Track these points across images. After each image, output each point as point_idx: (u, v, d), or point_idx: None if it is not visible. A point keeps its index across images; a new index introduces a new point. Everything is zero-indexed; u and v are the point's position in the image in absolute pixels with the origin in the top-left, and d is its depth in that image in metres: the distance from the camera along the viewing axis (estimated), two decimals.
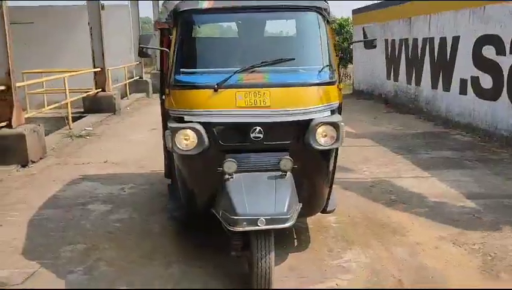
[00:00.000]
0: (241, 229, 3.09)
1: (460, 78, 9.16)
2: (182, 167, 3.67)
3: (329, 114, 3.59)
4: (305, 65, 3.74)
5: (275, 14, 3.84)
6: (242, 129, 3.45)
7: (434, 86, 10.32)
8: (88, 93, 11.92)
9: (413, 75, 11.38)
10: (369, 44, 3.63)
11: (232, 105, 3.42)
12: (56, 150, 8.21)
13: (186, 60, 3.67)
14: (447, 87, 9.77)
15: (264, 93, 3.43)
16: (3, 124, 7.01)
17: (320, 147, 3.50)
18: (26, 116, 7.61)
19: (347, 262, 3.88)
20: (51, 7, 16.43)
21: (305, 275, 3.67)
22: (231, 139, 3.51)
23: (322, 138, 3.49)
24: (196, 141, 3.41)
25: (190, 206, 3.79)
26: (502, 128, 7.90)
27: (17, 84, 7.21)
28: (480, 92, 8.52)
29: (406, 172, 6.35)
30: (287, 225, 3.14)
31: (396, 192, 5.55)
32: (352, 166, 6.67)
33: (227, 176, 3.34)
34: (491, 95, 8.18)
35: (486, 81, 8.28)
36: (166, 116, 3.78)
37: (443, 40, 9.84)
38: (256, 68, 3.55)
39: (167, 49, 3.60)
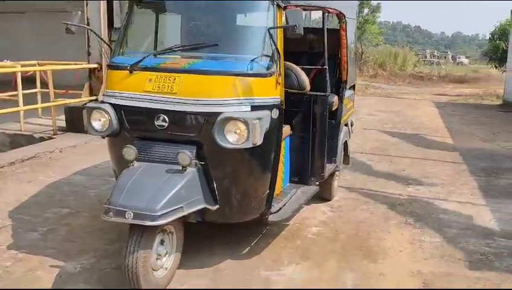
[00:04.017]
0: (107, 219, 2.98)
1: None
2: (108, 148, 3.72)
3: (248, 109, 3.19)
4: (240, 53, 3.40)
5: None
6: (147, 115, 3.30)
7: None
8: None
9: None
10: (290, 30, 3.12)
11: (140, 89, 3.30)
12: None
13: (127, 43, 3.69)
14: None
15: (174, 79, 3.23)
16: (93, 98, 7.90)
17: (227, 145, 3.14)
18: None
19: (279, 276, 3.49)
20: None
21: (220, 280, 3.41)
22: (137, 125, 3.39)
23: (229, 135, 3.12)
24: (107, 123, 3.39)
25: None
26: None
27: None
28: None
29: (458, 196, 5.34)
30: (154, 223, 2.91)
31: (421, 215, 4.72)
32: (401, 180, 5.90)
33: (128, 163, 3.25)
34: None
35: None
36: None
37: None
38: (189, 53, 3.39)
39: (88, 27, 3.63)
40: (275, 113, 3.33)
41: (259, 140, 3.14)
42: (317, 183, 4.33)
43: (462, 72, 28.73)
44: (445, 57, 54.60)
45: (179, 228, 3.31)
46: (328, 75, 4.19)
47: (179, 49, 3.44)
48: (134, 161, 3.23)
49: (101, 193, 5.13)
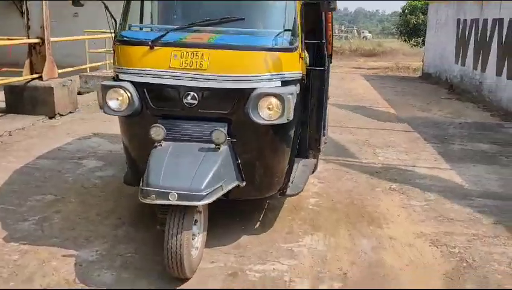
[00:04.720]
0: (149, 201, 2.84)
1: None
2: (120, 129, 3.53)
3: (279, 85, 3.19)
4: (262, 27, 3.37)
5: None
6: (174, 93, 3.16)
7: (499, 72, 9.28)
8: None
9: (480, 59, 10.31)
10: (326, 5, 3.18)
11: (165, 65, 3.14)
12: (91, 106, 8.44)
13: (137, 15, 3.48)
14: (511, 75, 8.74)
15: (202, 54, 3.11)
16: (36, 76, 7.31)
17: (262, 121, 3.12)
18: (60, 71, 7.83)
19: (300, 247, 3.57)
20: None
21: (247, 255, 3.42)
22: (163, 103, 3.24)
23: (264, 111, 3.10)
24: (127, 102, 3.20)
25: (131, 171, 3.63)
26: None
27: (52, 39, 7.42)
28: None
29: (425, 162, 5.76)
30: (200, 203, 2.85)
31: (401, 181, 5.04)
32: (369, 149, 6.21)
33: (156, 143, 3.12)
34: None
35: None
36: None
37: None
38: (208, 28, 3.27)
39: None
40: (298, 88, 3.36)
41: (292, 115, 3.16)
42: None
43: (369, 46, 30.22)
44: (351, 32, 57.09)
45: (205, 207, 3.25)
46: (326, 49, 4.26)
47: (204, 24, 3.28)
48: (162, 141, 3.11)
49: (78, 177, 4.85)
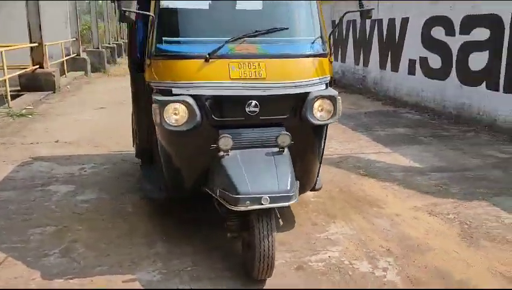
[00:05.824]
0: (243, 208, 2.92)
1: (409, 59, 9.46)
2: (169, 144, 3.43)
3: (324, 87, 3.50)
4: (298, 36, 3.63)
5: None
6: (237, 103, 3.27)
7: (382, 66, 10.59)
8: (25, 70, 11.11)
9: (361, 56, 11.62)
10: (365, 14, 3.60)
11: (225, 77, 3.23)
12: None
13: (168, 28, 3.43)
14: (395, 68, 10.07)
15: (259, 64, 3.27)
16: None
17: (317, 122, 3.40)
18: None
19: (333, 235, 3.89)
20: None
21: (296, 249, 3.63)
22: (225, 113, 3.32)
23: (318, 112, 3.39)
24: (187, 116, 3.19)
25: (176, 186, 3.58)
26: (450, 106, 8.28)
27: None
28: (429, 72, 8.85)
29: (368, 148, 6.48)
30: (291, 202, 3.03)
31: (364, 167, 5.64)
32: None
33: (222, 153, 3.18)
34: (440, 74, 8.52)
35: (435, 62, 8.61)
36: (145, 90, 3.54)
37: (392, 22, 10.09)
38: (247, 38, 3.40)
39: (151, 14, 3.33)
40: None
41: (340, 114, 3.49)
42: None
43: None
44: None
45: None
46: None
47: (253, 35, 3.37)
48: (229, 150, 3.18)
49: (60, 204, 4.53)
